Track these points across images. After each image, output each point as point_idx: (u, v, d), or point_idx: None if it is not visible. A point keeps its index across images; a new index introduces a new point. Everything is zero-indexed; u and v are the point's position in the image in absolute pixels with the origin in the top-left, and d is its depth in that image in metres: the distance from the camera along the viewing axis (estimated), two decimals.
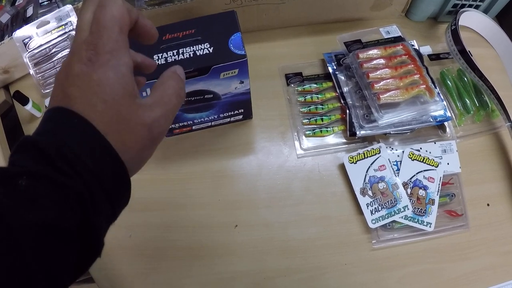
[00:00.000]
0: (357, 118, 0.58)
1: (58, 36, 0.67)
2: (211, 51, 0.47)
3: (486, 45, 0.73)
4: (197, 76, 0.47)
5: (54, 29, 0.67)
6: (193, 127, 0.59)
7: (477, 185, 0.61)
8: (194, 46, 0.47)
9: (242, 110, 0.58)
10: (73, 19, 0.67)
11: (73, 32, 0.67)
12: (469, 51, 0.68)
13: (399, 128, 0.57)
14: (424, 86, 0.57)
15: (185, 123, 0.57)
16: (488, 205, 0.60)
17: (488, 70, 0.69)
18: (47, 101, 0.67)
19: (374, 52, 0.59)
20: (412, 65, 0.58)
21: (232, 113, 0.58)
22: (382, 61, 0.58)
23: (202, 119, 0.57)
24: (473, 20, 0.71)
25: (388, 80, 0.56)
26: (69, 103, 0.24)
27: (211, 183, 0.58)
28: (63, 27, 0.67)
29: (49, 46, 0.67)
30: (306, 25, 0.70)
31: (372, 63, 0.58)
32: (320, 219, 0.56)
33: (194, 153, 0.60)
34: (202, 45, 0.47)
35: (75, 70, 0.25)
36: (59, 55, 0.67)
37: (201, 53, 0.46)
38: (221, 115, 0.57)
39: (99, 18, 0.25)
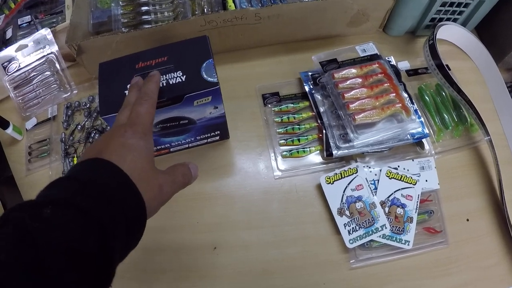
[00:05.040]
0: (334, 138, 0.58)
1: (37, 60, 0.67)
2: (183, 79, 0.46)
3: (465, 57, 0.73)
4: (171, 104, 0.47)
5: (32, 53, 0.67)
6: (171, 149, 0.59)
7: (456, 200, 0.61)
8: (167, 75, 0.47)
9: (218, 132, 0.58)
10: (51, 42, 0.67)
11: (52, 55, 0.67)
12: (447, 65, 0.68)
13: (376, 147, 0.57)
14: (400, 105, 0.57)
15: (162, 146, 0.57)
16: (467, 220, 0.60)
17: (467, 83, 0.69)
18: (27, 124, 0.67)
19: (349, 71, 0.59)
20: (388, 84, 0.58)
21: (209, 135, 0.58)
22: (357, 80, 0.58)
23: (179, 142, 0.57)
24: (452, 33, 0.71)
25: (364, 100, 0.56)
26: (104, 157, 0.30)
27: (189, 205, 0.58)
28: (41, 50, 0.67)
29: (28, 70, 0.67)
30: (283, 44, 0.70)
31: (347, 82, 0.58)
32: (298, 240, 0.56)
33: None
34: (175, 73, 0.47)
35: (114, 140, 0.33)
36: (38, 78, 0.67)
37: (174, 82, 0.46)
38: (198, 137, 0.58)
39: (138, 110, 0.36)
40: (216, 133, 0.58)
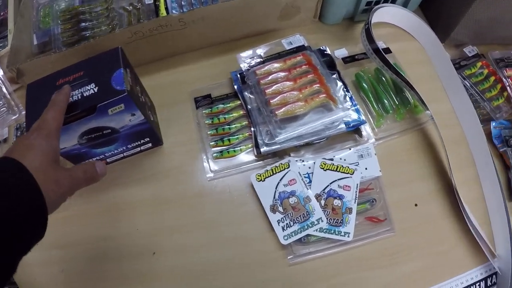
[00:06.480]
0: (261, 135, 0.57)
1: None
2: (96, 90, 0.48)
3: (410, 38, 0.71)
4: (87, 116, 0.48)
5: None
6: (108, 160, 0.61)
7: (402, 186, 0.59)
8: (82, 88, 0.49)
9: (148, 139, 0.59)
10: None
11: None
12: (387, 47, 0.66)
13: (308, 140, 0.56)
14: (325, 95, 0.56)
15: (98, 158, 0.59)
16: (416, 205, 0.59)
17: (414, 63, 0.67)
18: None
19: (272, 66, 0.58)
20: (313, 75, 0.57)
21: (139, 142, 0.59)
22: (281, 74, 0.57)
23: (112, 152, 0.59)
24: (392, 15, 0.68)
25: (285, 94, 0.55)
26: (10, 155, 0.36)
27: (129, 213, 0.59)
28: None
29: None
30: (215, 45, 0.69)
31: (269, 78, 0.57)
32: (234, 240, 0.56)
33: (113, 186, 0.61)
34: (88, 86, 0.49)
35: (21, 141, 0.38)
36: None
37: (88, 94, 0.48)
38: (129, 146, 0.59)
39: (44, 117, 0.41)
40: (146, 140, 0.59)
